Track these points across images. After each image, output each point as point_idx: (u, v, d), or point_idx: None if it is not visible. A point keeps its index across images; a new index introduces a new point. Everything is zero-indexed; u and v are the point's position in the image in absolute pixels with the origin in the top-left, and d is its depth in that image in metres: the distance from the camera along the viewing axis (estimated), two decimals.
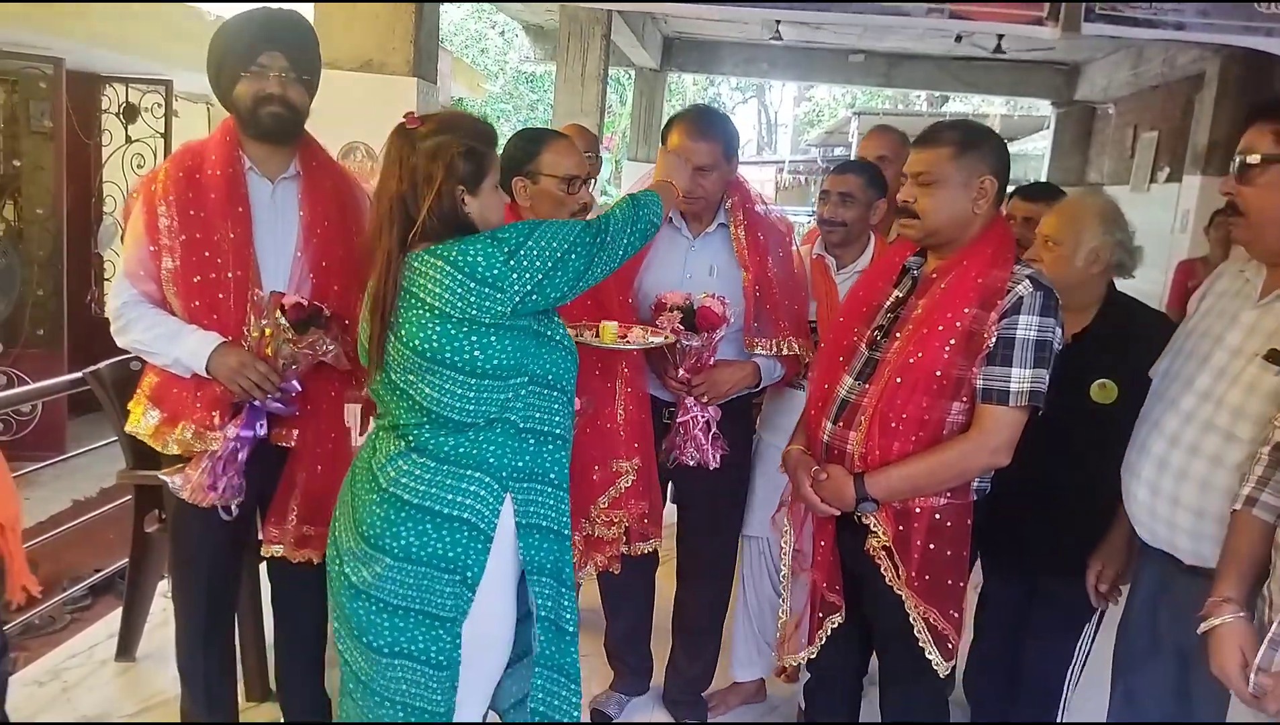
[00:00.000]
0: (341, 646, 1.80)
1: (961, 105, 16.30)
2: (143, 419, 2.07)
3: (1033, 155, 15.57)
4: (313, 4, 4.27)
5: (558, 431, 1.79)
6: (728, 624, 2.75)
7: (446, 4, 8.38)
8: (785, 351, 2.37)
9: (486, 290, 1.62)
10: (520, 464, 1.74)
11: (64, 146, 5.65)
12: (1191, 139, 6.90)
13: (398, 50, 4.22)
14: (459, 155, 1.67)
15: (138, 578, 2.85)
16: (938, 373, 1.82)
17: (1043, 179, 10.80)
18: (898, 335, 1.90)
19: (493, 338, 1.65)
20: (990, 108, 15.10)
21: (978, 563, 2.72)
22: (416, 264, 1.66)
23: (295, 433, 2.13)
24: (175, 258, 2.00)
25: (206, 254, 2.00)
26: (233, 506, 2.09)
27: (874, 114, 14.80)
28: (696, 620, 2.65)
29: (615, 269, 1.85)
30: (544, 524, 1.78)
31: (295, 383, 2.06)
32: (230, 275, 2.01)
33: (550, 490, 1.79)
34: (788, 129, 28.03)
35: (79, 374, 2.74)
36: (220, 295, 2.02)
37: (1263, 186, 1.61)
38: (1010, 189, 2.34)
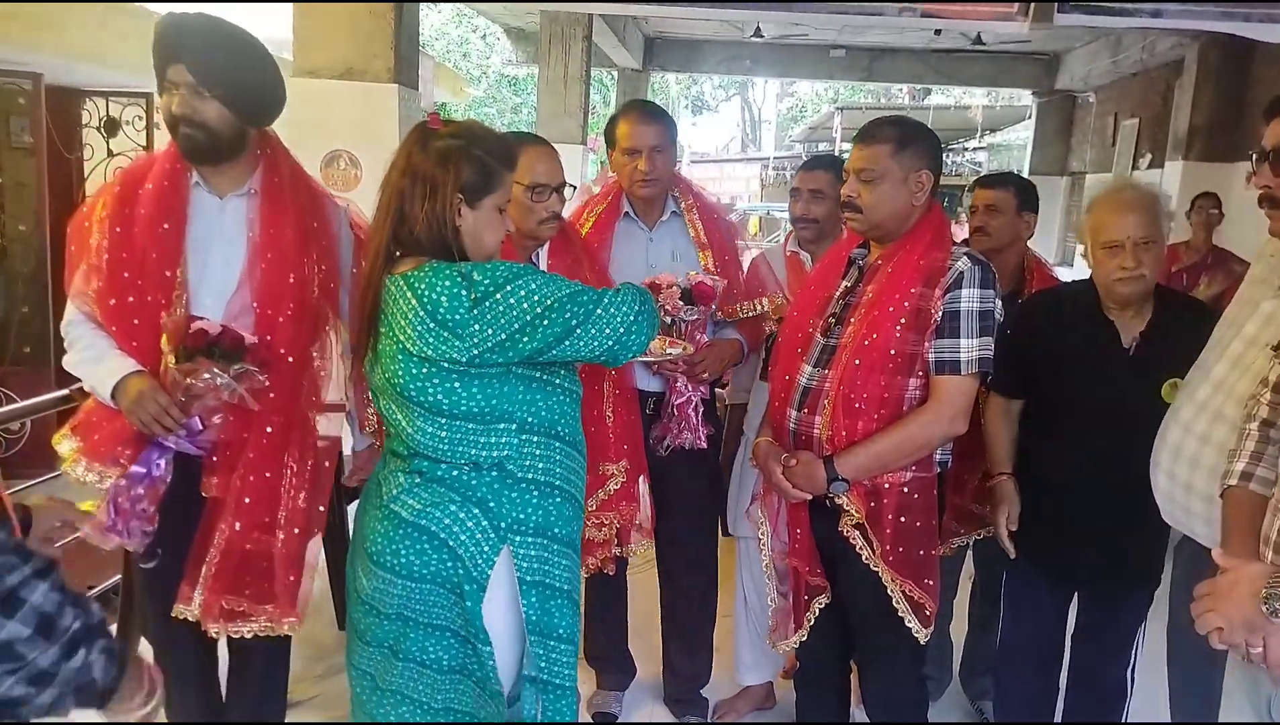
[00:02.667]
0: (354, 655, 1.77)
1: (943, 97, 16.37)
2: (64, 445, 1.91)
3: (1015, 145, 15.67)
4: (292, 9, 4.27)
5: (563, 485, 1.67)
6: (730, 629, 2.75)
7: (426, 9, 8.38)
8: (758, 310, 2.47)
9: (445, 334, 1.50)
10: (522, 517, 1.62)
11: (45, 162, 5.61)
12: (1172, 125, 6.95)
13: (379, 57, 4.22)
14: (466, 163, 1.58)
15: (131, 594, 2.84)
16: (892, 351, 1.91)
17: (1025, 168, 10.86)
18: (851, 321, 1.98)
19: (456, 383, 1.54)
20: (972, 99, 15.16)
21: (969, 554, 2.76)
22: (393, 288, 1.57)
23: (215, 482, 1.88)
24: (100, 278, 1.83)
25: (126, 275, 1.82)
26: (150, 551, 1.86)
27: (856, 108, 14.87)
28: (689, 618, 2.67)
29: (599, 355, 1.62)
30: (546, 582, 1.66)
31: (197, 421, 1.81)
32: (149, 299, 1.82)
33: (558, 547, 1.67)
34: (771, 125, 28.10)
35: (66, 391, 2.72)
36: (135, 321, 1.83)
37: None
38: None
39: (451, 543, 1.59)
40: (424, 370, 1.54)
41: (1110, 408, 2.02)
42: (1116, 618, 2.21)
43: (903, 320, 1.90)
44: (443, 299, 1.50)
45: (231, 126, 1.84)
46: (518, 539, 1.62)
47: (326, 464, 2.01)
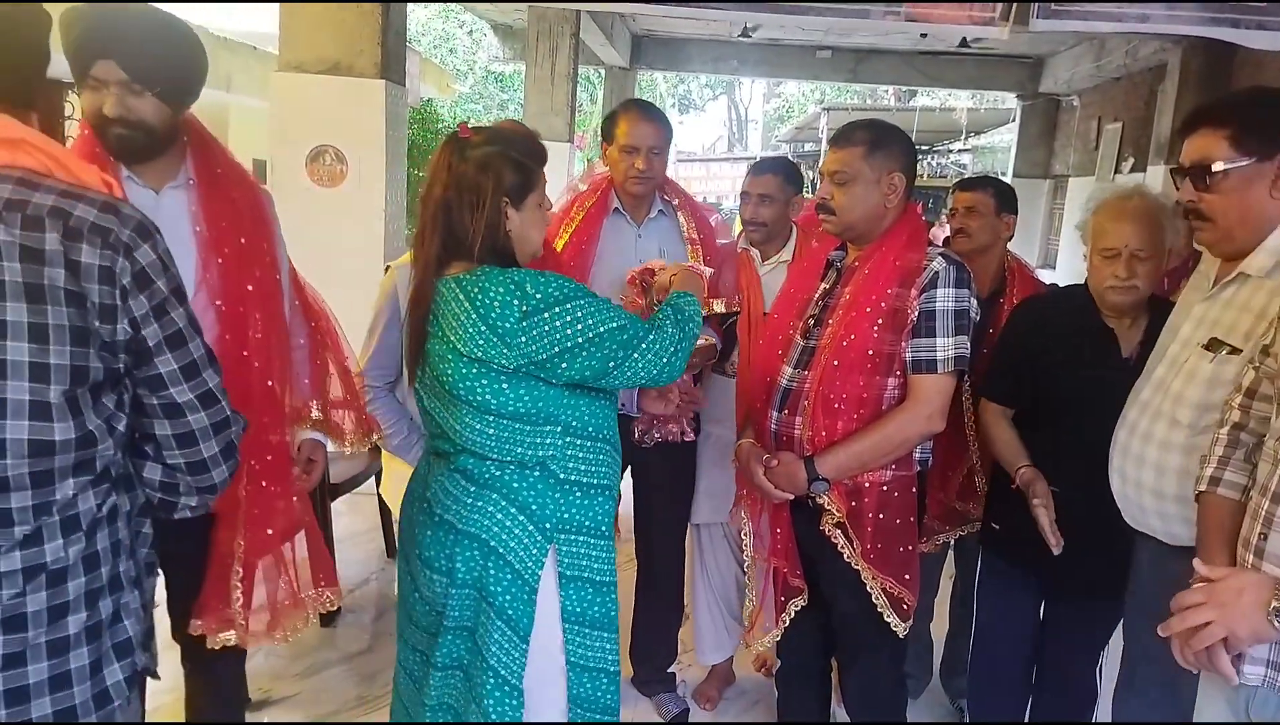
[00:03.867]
0: (404, 657, 1.79)
1: (928, 99, 16.44)
2: None
3: (999, 147, 15.75)
4: (278, 5, 4.25)
5: (604, 482, 1.71)
6: (689, 613, 2.84)
7: (413, 5, 8.33)
8: (717, 309, 2.55)
9: (494, 339, 1.54)
10: (566, 517, 1.67)
11: None
12: (1155, 129, 7.00)
13: (365, 53, 4.19)
14: (507, 167, 1.62)
15: None
16: (870, 351, 1.92)
17: (1009, 171, 10.93)
18: (829, 322, 2.00)
19: (505, 384, 1.58)
20: (956, 101, 15.23)
21: (950, 554, 2.78)
22: (444, 290, 1.61)
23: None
24: None
25: None
26: None
27: (843, 109, 14.91)
28: (664, 607, 2.76)
29: (635, 386, 1.69)
30: (589, 576, 1.71)
31: None
32: None
33: (597, 542, 1.72)
34: (758, 125, 28.16)
35: None
36: None
37: (1227, 192, 1.63)
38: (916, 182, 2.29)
39: (502, 550, 1.62)
40: (474, 370, 1.57)
41: (1113, 416, 1.98)
42: (1092, 623, 2.22)
43: (880, 321, 1.92)
44: (495, 304, 1.54)
45: (168, 121, 1.72)
46: (562, 538, 1.67)
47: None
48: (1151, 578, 1.88)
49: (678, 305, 1.76)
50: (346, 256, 3.97)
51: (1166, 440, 1.74)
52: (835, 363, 1.93)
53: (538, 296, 1.54)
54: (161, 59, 1.67)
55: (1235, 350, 1.65)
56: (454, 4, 12.62)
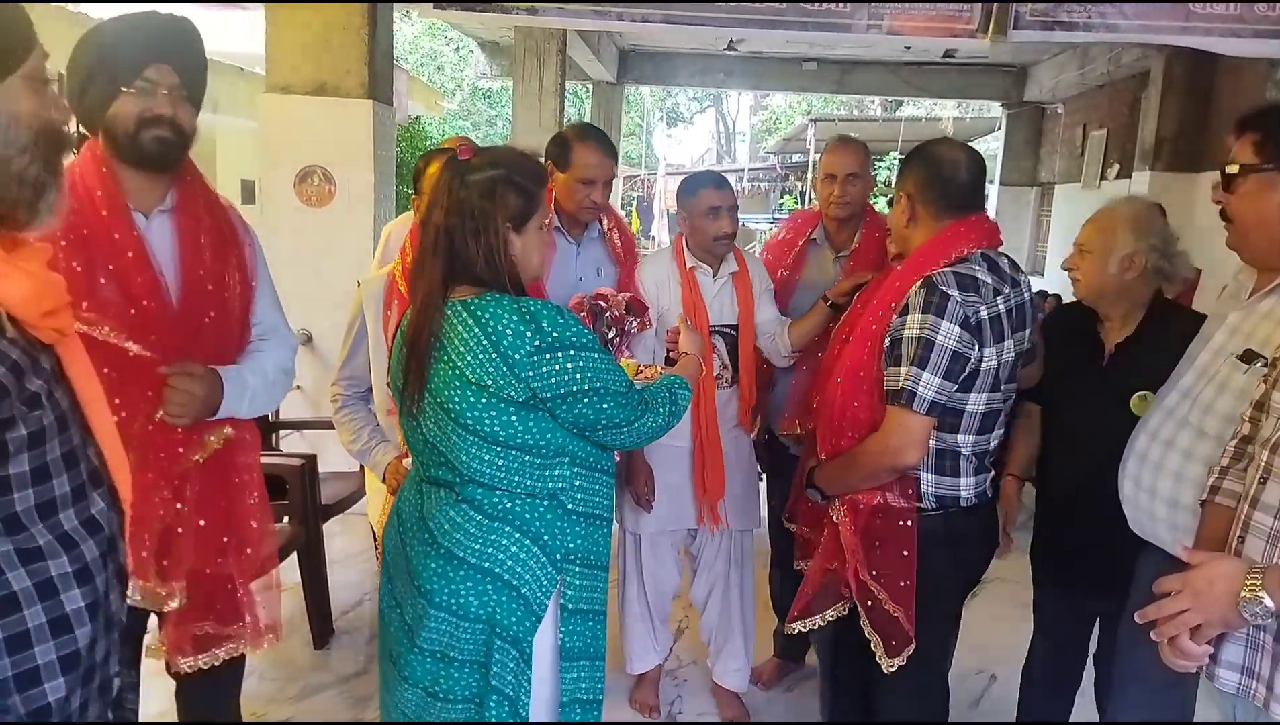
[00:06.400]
0: (396, 695, 1.70)
1: (914, 109, 16.54)
2: None
3: (986, 156, 15.80)
4: (264, 25, 4.26)
5: (606, 514, 1.70)
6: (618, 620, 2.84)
7: (399, 22, 8.37)
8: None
9: (505, 368, 1.51)
10: (573, 547, 1.65)
11: None
12: (1140, 135, 7.05)
13: (352, 73, 4.21)
14: (511, 191, 1.59)
15: None
16: (860, 373, 1.92)
17: (995, 179, 10.98)
18: (845, 338, 2.04)
19: (514, 416, 1.54)
20: (942, 111, 15.33)
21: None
22: (450, 315, 1.56)
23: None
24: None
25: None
26: None
27: (830, 120, 14.96)
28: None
29: (620, 448, 1.72)
30: (587, 608, 1.70)
31: None
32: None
33: (599, 573, 1.71)
34: (746, 137, 28.25)
35: None
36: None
37: (1243, 195, 1.66)
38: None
39: (515, 583, 1.60)
40: (483, 399, 1.53)
41: (1086, 422, 2.02)
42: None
43: (869, 343, 1.91)
44: (507, 332, 1.51)
45: (194, 135, 1.78)
46: (570, 569, 1.65)
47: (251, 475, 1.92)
48: (1150, 590, 1.87)
49: (675, 394, 1.76)
50: (336, 276, 3.96)
51: (1190, 450, 1.72)
52: (838, 380, 1.97)
53: (554, 335, 1.52)
54: (203, 71, 1.79)
55: (1270, 363, 1.63)
56: (441, 22, 12.67)
